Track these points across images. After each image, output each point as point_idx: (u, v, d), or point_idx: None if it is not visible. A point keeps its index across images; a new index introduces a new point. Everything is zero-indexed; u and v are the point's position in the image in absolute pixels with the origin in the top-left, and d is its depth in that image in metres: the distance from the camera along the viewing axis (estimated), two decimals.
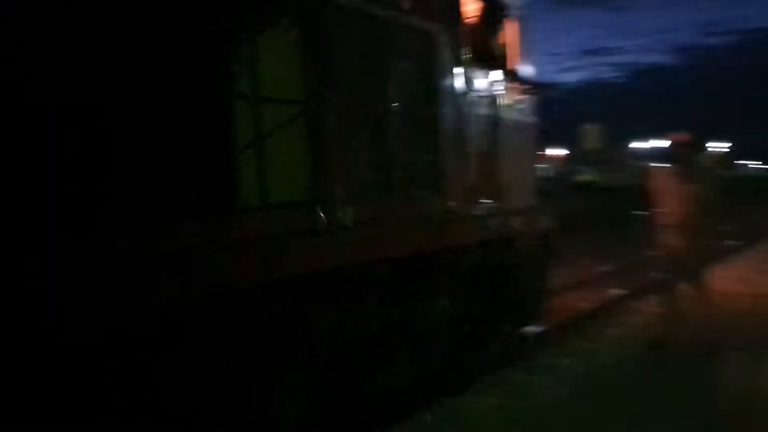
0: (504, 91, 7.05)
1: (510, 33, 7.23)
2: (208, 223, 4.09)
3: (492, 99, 6.84)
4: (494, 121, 6.82)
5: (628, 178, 32.52)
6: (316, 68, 4.84)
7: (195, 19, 4.14)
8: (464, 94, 6.37)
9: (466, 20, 6.44)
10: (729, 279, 10.45)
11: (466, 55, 6.40)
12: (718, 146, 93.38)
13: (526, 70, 7.62)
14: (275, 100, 4.65)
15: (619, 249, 15.13)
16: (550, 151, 37.14)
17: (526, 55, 7.63)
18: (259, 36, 4.53)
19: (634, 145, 50.83)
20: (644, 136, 50.53)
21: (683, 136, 7.10)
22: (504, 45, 7.15)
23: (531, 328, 8.06)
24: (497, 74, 6.89)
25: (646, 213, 7.26)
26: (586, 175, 38.57)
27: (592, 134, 45.98)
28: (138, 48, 3.74)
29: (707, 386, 6.04)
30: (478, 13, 6.56)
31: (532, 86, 7.72)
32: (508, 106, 7.16)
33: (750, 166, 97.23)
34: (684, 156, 7.13)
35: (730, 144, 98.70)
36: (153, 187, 3.87)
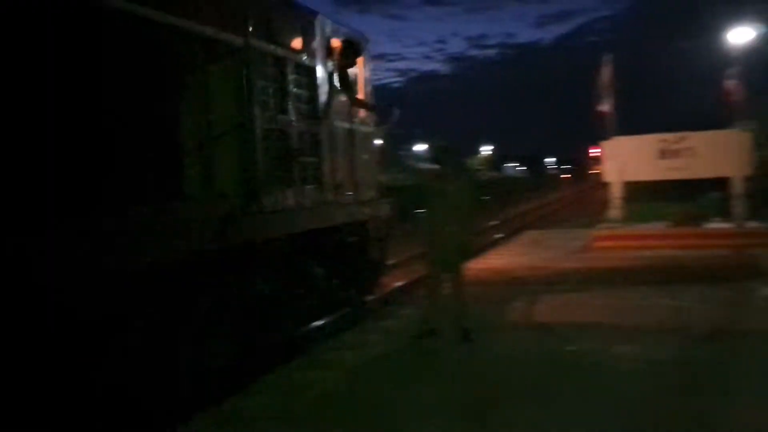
0: (357, 110, 9.27)
1: (360, 65, 9.44)
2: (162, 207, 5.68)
3: (350, 116, 9.03)
4: (352, 133, 9.02)
5: (408, 179, 35.96)
6: (246, 94, 6.72)
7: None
8: (333, 113, 8.48)
9: (334, 57, 8.54)
10: (488, 268, 12.21)
11: (334, 83, 8.51)
12: (485, 149, 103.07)
13: (369, 92, 9.91)
14: (217, 117, 6.42)
15: (399, 244, 16.97)
16: None
17: (370, 81, 9.93)
18: (205, 71, 6.31)
19: (416, 147, 55.22)
20: (422, 138, 55.01)
21: (444, 140, 8.28)
22: (356, 74, 9.34)
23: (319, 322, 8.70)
24: (353, 97, 9.06)
25: (420, 210, 7.75)
26: None
27: None
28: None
29: (462, 371, 6.47)
30: (340, 51, 8.66)
31: (374, 106, 10.02)
32: (360, 121, 9.39)
33: (507, 166, 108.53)
34: (445, 158, 7.86)
35: (492, 147, 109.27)
36: (124, 180, 5.39)
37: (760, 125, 17.80)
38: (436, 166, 7.91)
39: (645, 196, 28.31)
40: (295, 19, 7.87)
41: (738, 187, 15.24)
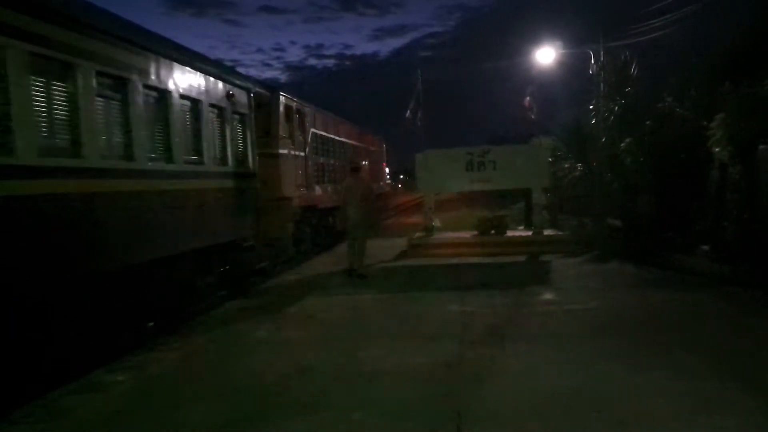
0: None
1: None
2: None
3: None
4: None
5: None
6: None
7: None
8: None
9: None
10: (296, 279, 13.22)
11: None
12: None
13: None
14: None
15: None
16: None
17: None
18: None
19: None
20: None
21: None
22: None
23: None
24: None
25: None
26: None
27: None
28: None
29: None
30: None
31: None
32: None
33: None
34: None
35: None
36: None
37: (558, 140, 19.20)
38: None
39: (462, 204, 29.90)
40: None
41: (536, 198, 16.46)
